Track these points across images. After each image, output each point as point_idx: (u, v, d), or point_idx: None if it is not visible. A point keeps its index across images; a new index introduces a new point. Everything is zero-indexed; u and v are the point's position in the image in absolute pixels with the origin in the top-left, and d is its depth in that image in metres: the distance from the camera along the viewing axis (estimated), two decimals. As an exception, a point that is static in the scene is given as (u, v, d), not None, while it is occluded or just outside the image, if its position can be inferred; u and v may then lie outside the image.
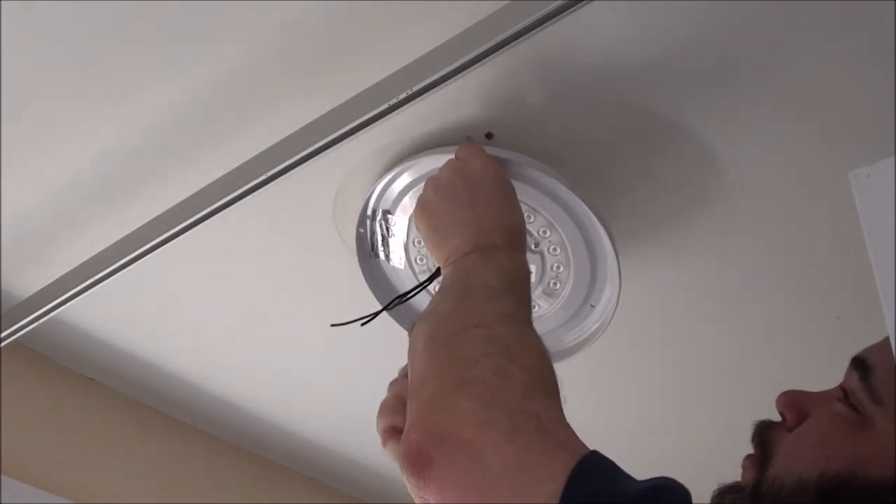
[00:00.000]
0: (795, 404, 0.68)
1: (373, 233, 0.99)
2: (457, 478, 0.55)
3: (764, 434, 0.69)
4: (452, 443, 0.56)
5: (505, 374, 0.60)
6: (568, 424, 0.58)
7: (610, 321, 0.98)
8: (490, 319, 0.66)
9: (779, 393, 0.71)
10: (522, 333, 0.66)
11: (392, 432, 0.79)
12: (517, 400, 0.58)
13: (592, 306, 0.99)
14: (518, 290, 0.72)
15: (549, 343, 0.99)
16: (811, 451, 0.63)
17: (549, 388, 0.61)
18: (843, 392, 0.64)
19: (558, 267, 0.96)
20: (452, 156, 0.89)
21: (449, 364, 0.62)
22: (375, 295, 1.02)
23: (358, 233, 0.99)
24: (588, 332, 1.01)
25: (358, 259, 1.01)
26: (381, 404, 0.84)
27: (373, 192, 0.94)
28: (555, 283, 0.98)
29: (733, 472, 0.73)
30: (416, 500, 0.58)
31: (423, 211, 0.83)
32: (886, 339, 0.61)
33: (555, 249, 0.95)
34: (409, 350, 0.68)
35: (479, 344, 0.63)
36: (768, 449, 0.67)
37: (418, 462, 0.56)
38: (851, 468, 0.59)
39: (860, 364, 0.64)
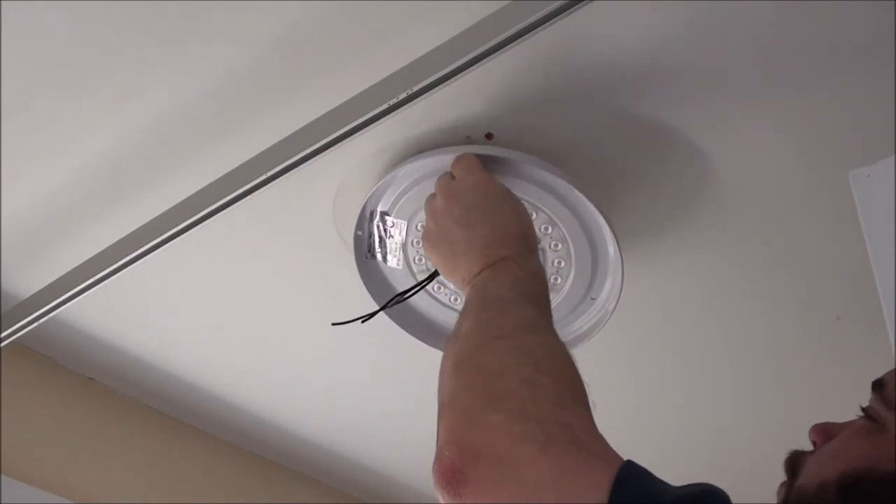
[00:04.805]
0: (824, 431, 0.72)
1: (370, 234, 0.99)
2: (494, 494, 0.54)
3: (794, 460, 0.73)
4: (487, 458, 0.55)
5: (533, 384, 0.60)
6: (600, 434, 0.58)
7: (611, 314, 0.98)
8: (511, 330, 0.66)
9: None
10: (546, 341, 0.66)
11: None
12: (548, 411, 0.57)
13: (593, 299, 0.99)
14: (535, 297, 0.73)
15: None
16: (832, 459, 0.67)
17: (578, 397, 0.61)
18: (863, 410, 0.68)
19: (559, 262, 0.97)
20: (450, 159, 0.89)
21: (476, 379, 0.62)
22: (373, 296, 1.03)
23: (356, 235, 0.99)
24: (588, 325, 1.02)
25: (356, 261, 1.01)
26: None
27: (370, 194, 0.95)
28: (556, 279, 0.98)
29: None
30: None
31: (428, 242, 0.84)
32: None
33: (556, 245, 0.96)
34: (439, 374, 0.68)
35: (503, 355, 0.63)
36: (797, 469, 0.71)
37: (453, 479, 0.56)
38: (868, 465, 0.62)
39: (876, 384, 0.69)
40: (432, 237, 0.84)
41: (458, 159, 0.88)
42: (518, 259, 0.76)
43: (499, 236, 0.78)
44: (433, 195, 0.88)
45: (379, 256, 1.00)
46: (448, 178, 0.87)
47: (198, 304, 1.20)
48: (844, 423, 0.71)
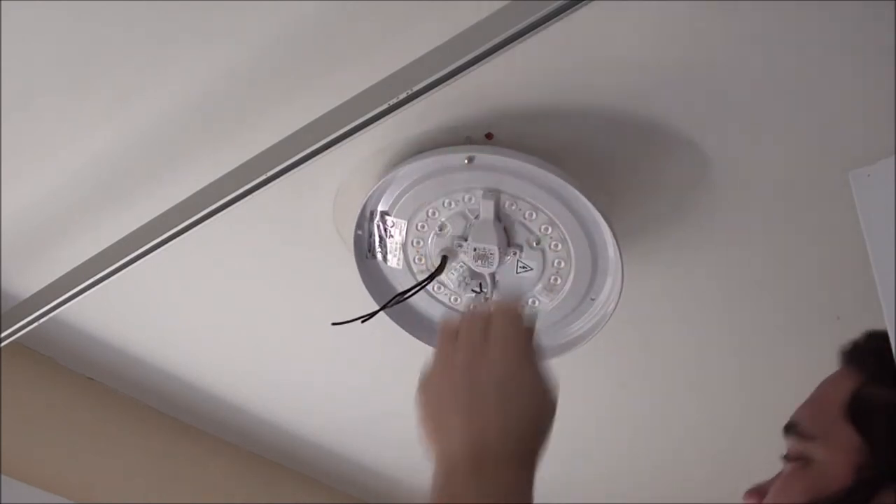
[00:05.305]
0: (757, 492, 0.75)
1: (370, 234, 0.99)
2: None
3: None
4: None
5: None
6: None
7: (611, 314, 0.99)
8: None
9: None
10: None
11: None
12: None
13: (592, 300, 1.00)
14: None
15: (549, 338, 1.00)
16: None
17: None
18: (785, 458, 0.73)
19: (559, 262, 0.97)
20: (450, 158, 0.89)
21: None
22: (373, 296, 1.03)
23: (356, 235, 0.99)
24: (588, 326, 1.02)
25: (356, 260, 1.01)
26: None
27: (370, 194, 0.95)
28: (556, 279, 0.98)
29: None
30: None
31: (426, 390, 0.69)
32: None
33: (556, 245, 0.96)
34: None
35: None
36: None
37: None
38: (810, 499, 0.68)
39: (788, 427, 0.74)
40: (433, 386, 0.69)
41: (507, 308, 0.71)
42: (513, 465, 0.63)
43: (506, 430, 0.64)
44: (452, 328, 0.71)
45: (379, 256, 1.00)
46: (483, 324, 0.69)
47: (198, 304, 1.20)
48: (772, 478, 0.75)
